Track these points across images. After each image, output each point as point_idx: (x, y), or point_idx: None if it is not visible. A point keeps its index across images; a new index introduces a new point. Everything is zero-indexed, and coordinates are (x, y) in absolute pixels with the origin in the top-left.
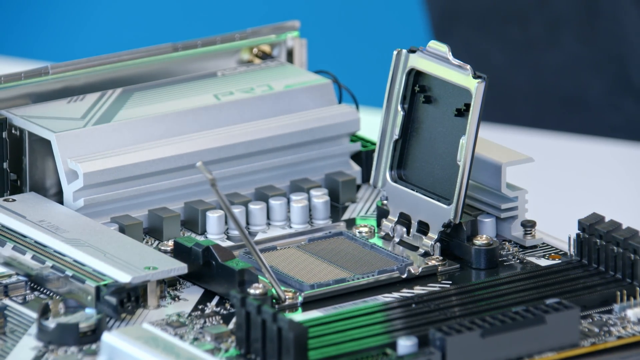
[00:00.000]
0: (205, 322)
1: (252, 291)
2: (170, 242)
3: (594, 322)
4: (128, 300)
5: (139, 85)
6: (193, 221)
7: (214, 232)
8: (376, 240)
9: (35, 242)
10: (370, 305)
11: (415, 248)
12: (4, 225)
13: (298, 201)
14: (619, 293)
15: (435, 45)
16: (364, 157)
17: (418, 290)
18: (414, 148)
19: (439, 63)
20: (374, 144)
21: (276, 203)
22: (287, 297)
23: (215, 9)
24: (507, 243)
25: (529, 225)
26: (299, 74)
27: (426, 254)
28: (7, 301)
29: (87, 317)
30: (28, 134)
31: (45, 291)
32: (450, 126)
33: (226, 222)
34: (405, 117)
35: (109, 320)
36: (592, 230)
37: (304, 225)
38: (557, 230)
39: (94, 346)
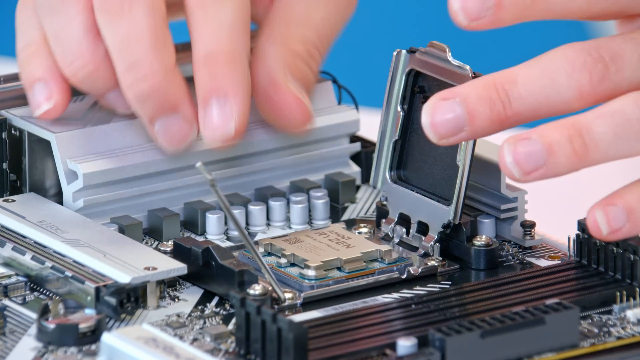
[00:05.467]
0: (205, 322)
1: (251, 292)
2: (170, 243)
3: (593, 322)
4: (128, 300)
5: None
6: (193, 222)
7: (214, 232)
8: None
9: (35, 242)
10: (369, 305)
11: (415, 248)
12: (4, 226)
13: (298, 202)
14: (618, 294)
15: (434, 46)
16: (363, 158)
17: (418, 290)
18: (413, 148)
19: (438, 63)
20: (373, 144)
21: (276, 204)
22: (286, 297)
23: None
24: (506, 243)
25: (528, 226)
26: None
27: (426, 255)
28: (6, 302)
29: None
30: (28, 135)
31: (44, 292)
32: None
33: (226, 223)
34: (405, 117)
35: (108, 320)
36: None
37: (303, 225)
38: (557, 231)
39: (93, 347)
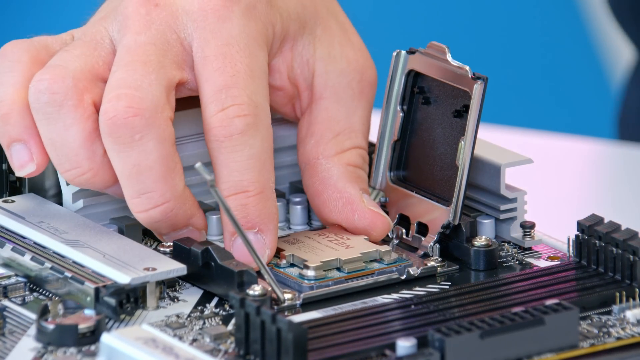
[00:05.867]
0: (204, 323)
1: (251, 292)
2: (170, 243)
3: (593, 323)
4: (127, 301)
5: None
6: None
7: (214, 233)
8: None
9: (35, 243)
10: (369, 306)
11: (414, 249)
12: (3, 226)
13: (297, 202)
14: (618, 294)
15: (434, 46)
16: None
17: (417, 291)
18: (413, 149)
19: (438, 64)
20: (373, 145)
21: None
22: (286, 298)
23: None
24: (506, 244)
25: (528, 227)
26: None
27: (425, 255)
28: (6, 302)
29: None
30: None
31: (44, 292)
32: (450, 127)
33: None
34: (405, 118)
35: (108, 321)
36: (592, 232)
37: (303, 226)
38: (557, 232)
39: (93, 347)
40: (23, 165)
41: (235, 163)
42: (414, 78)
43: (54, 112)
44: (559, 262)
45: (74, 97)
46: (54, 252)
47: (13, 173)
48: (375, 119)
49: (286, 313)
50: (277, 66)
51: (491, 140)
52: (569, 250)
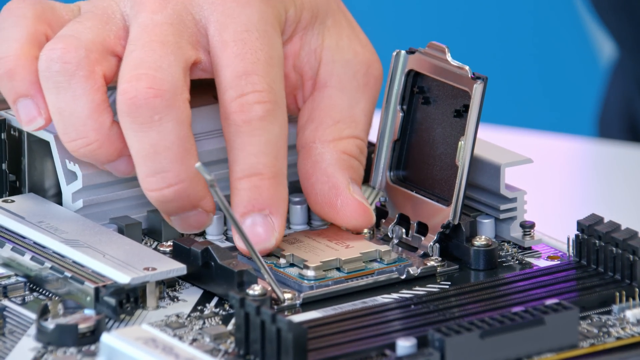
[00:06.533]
0: (204, 323)
1: (250, 292)
2: (169, 243)
3: (592, 323)
4: (127, 301)
5: None
6: None
7: (214, 233)
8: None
9: (34, 243)
10: (369, 306)
11: (414, 249)
12: (3, 226)
13: (297, 202)
14: (617, 294)
15: (434, 46)
16: None
17: (417, 291)
18: (413, 149)
19: (437, 64)
20: (373, 144)
21: None
22: (286, 297)
23: None
24: (506, 244)
25: (527, 226)
26: None
27: (425, 255)
28: (6, 302)
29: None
30: (27, 135)
31: (44, 292)
32: (449, 127)
33: (225, 223)
34: (404, 118)
35: (108, 321)
36: (591, 231)
37: (303, 226)
38: (556, 231)
39: (93, 347)
40: (32, 120)
41: (252, 147)
42: (414, 78)
43: (65, 81)
44: (558, 262)
45: (86, 67)
46: (54, 252)
47: (13, 173)
48: (375, 119)
49: (286, 313)
50: (284, 53)
51: (491, 140)
52: (568, 250)
